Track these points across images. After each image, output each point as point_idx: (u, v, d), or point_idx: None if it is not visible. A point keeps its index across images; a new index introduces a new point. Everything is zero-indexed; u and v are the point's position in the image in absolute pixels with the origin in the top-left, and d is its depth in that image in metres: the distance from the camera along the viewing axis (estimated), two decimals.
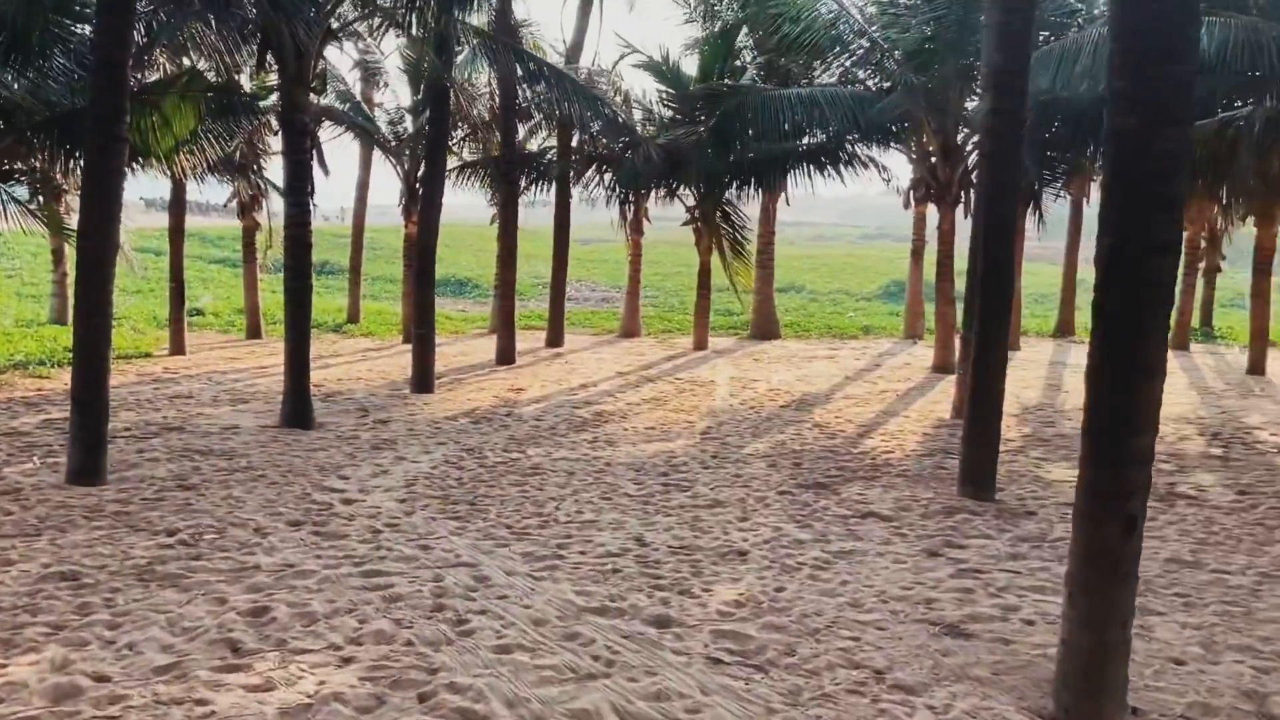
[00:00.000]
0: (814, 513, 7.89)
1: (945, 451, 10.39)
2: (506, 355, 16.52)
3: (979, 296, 8.59)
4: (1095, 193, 23.09)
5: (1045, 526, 7.55)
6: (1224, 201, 16.14)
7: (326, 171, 14.11)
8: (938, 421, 12.16)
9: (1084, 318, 23.76)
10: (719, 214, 18.08)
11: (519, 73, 14.52)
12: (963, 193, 16.58)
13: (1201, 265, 20.53)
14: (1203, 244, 20.75)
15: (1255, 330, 17.03)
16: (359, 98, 19.06)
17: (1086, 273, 30.35)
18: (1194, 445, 10.92)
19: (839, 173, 17.90)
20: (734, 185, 17.66)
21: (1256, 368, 16.84)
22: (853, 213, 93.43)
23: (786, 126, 15.83)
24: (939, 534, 7.30)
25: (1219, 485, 8.97)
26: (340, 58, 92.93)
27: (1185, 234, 20.23)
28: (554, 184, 18.96)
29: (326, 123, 17.69)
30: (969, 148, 16.35)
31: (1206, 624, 5.49)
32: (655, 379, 15.26)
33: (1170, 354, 18.14)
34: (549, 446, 10.25)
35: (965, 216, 17.09)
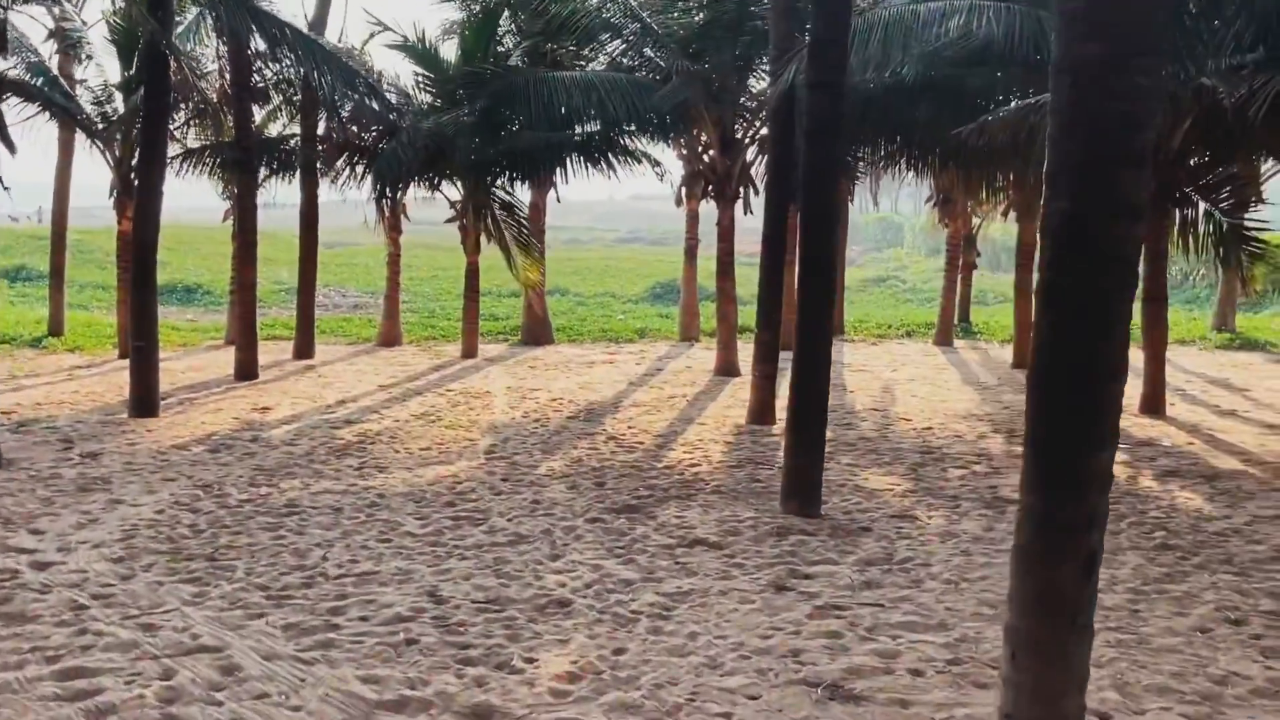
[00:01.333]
0: (634, 543, 6.88)
1: (755, 462, 9.68)
2: (247, 369, 14.56)
3: (799, 294, 7.87)
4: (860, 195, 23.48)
5: (887, 545, 6.89)
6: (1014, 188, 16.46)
7: (13, 150, 11.76)
8: (735, 428, 11.50)
9: (851, 314, 24.19)
10: (498, 205, 16.82)
11: (258, 41, 12.75)
12: (742, 188, 16.19)
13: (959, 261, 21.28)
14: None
15: (1019, 324, 17.61)
16: (55, 72, 16.43)
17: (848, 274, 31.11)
18: (996, 444, 10.77)
19: (613, 165, 17.09)
20: (505, 175, 16.48)
21: (1021, 362, 17.39)
22: (605, 217, 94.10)
23: (562, 111, 14.84)
24: (779, 561, 6.47)
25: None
26: (31, 26, 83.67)
27: (948, 230, 20.90)
28: (298, 174, 17.08)
29: (14, 100, 15.06)
30: (748, 140, 15.97)
31: (1106, 659, 4.88)
32: (424, 391, 13.85)
33: (937, 349, 18.55)
34: (306, 477, 8.73)
35: (745, 212, 16.76)
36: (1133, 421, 12.18)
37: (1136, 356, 19.33)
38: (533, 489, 8.43)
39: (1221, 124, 11.26)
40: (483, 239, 17.62)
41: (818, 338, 7.71)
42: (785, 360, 15.19)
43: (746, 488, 8.62)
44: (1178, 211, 13.16)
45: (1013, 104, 11.83)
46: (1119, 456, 10.05)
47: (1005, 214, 18.49)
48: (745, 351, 16.68)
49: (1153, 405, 12.88)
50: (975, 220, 22.10)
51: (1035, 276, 17.52)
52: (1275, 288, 26.05)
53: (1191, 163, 12.71)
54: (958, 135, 11.58)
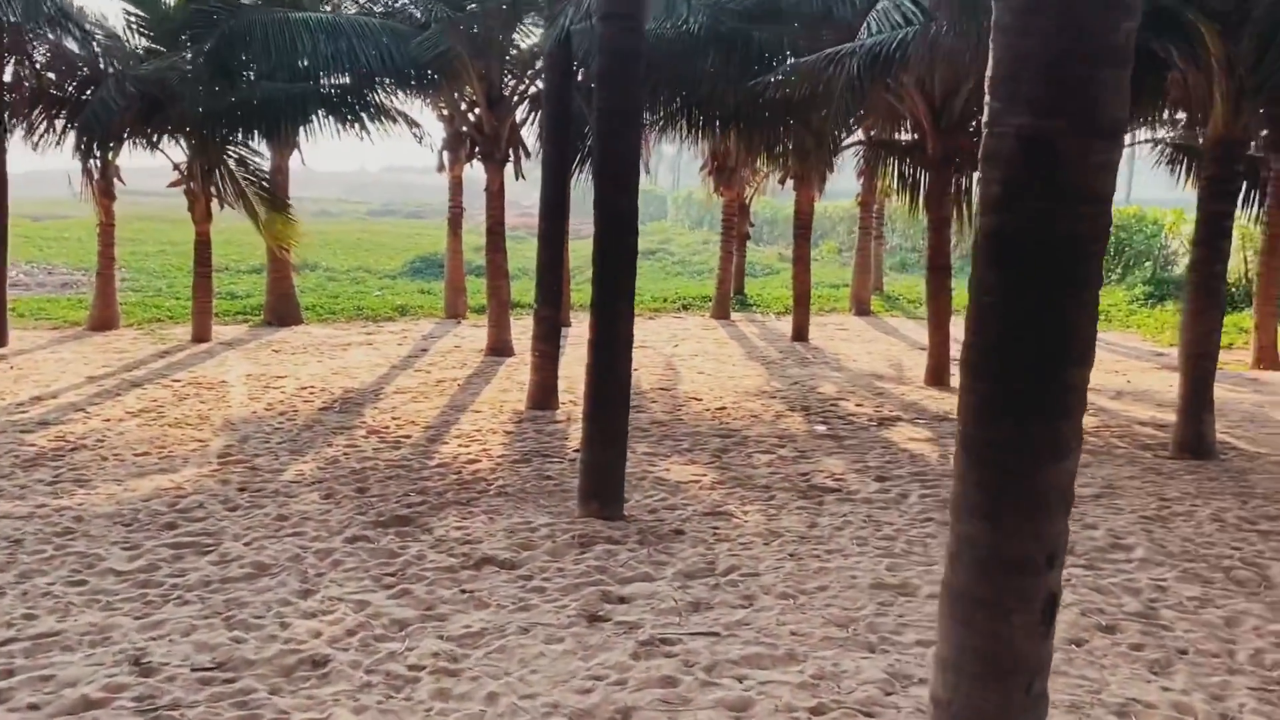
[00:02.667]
0: (407, 567, 5.70)
1: (542, 454, 8.65)
2: None
3: (595, 261, 6.86)
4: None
5: (705, 550, 6.04)
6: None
7: None
8: (515, 415, 10.42)
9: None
10: (235, 162, 14.84)
11: None
12: (512, 150, 15.03)
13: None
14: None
15: (798, 296, 17.40)
16: None
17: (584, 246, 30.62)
18: (796, 424, 10.21)
19: (365, 124, 15.47)
20: (240, 132, 14.54)
21: (800, 334, 17.19)
22: (356, 189, 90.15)
23: (305, 62, 13.14)
24: (586, 581, 5.48)
25: (851, 472, 8.12)
26: None
27: (723, 200, 20.51)
28: None
29: None
30: (518, 96, 14.80)
31: None
32: (144, 382, 11.93)
33: (716, 323, 18.11)
34: None
35: (517, 177, 15.62)
36: (921, 395, 12.01)
37: (909, 326, 19.74)
38: (278, 501, 7.04)
39: None
40: (215, 206, 15.62)
41: (619, 308, 6.75)
42: (565, 338, 14.20)
43: (536, 486, 7.58)
44: (961, 179, 13.15)
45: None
46: (924, 434, 9.73)
47: (783, 181, 18.25)
48: (518, 329, 15.61)
49: (939, 377, 12.80)
50: (748, 190, 21.88)
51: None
52: None
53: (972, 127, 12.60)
54: (754, 86, 10.90)
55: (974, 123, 12.52)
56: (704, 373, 13.53)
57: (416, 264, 29.89)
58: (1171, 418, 10.52)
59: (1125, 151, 16.53)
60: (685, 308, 21.69)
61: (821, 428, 9.94)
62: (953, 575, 2.76)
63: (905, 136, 14.74)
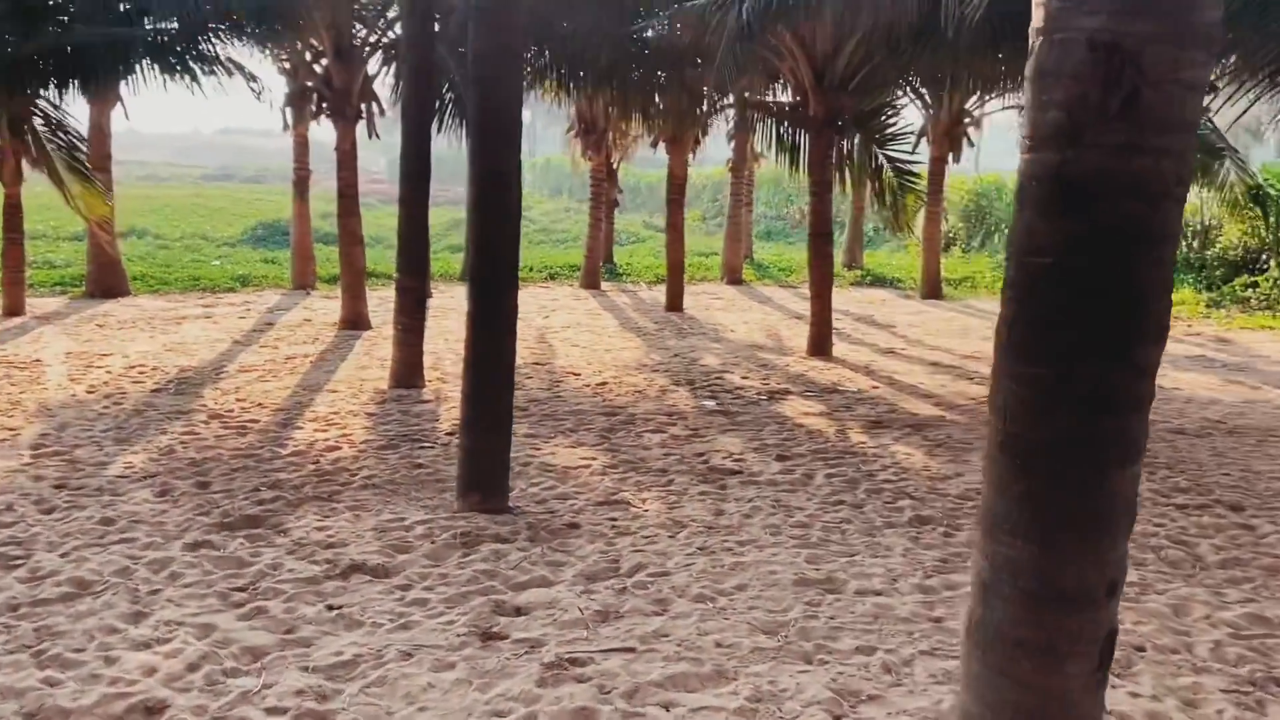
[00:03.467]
0: (261, 578, 4.94)
1: (410, 439, 7.91)
2: None
3: (473, 224, 6.16)
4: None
5: (606, 546, 5.46)
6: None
7: None
8: (377, 394, 9.62)
9: (447, 265, 22.66)
10: (39, 120, 13.36)
11: None
12: (365, 105, 14.03)
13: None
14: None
15: (672, 264, 16.94)
16: None
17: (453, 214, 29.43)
18: (683, 399, 9.71)
19: (195, 75, 14.18)
20: (53, 82, 13.08)
21: (675, 304, 16.75)
22: (188, 151, 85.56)
23: (126, 4, 11.88)
24: (474, 589, 4.83)
25: (750, 451, 7.66)
26: None
27: (590, 164, 19.84)
28: None
29: None
30: (369, 47, 13.78)
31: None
32: None
33: (586, 293, 17.51)
34: None
35: (370, 135, 14.63)
36: (806, 366, 11.70)
37: (783, 295, 19.57)
38: (102, 501, 6.13)
39: (895, 45, 10.84)
40: (26, 165, 14.09)
41: (502, 278, 6.06)
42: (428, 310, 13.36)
43: (407, 476, 6.85)
44: (843, 142, 12.86)
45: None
46: (817, 407, 9.36)
47: (656, 144, 17.72)
48: (374, 300, 14.69)
49: (821, 347, 12.53)
50: (616, 155, 21.28)
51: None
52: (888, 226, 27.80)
53: (850, 87, 12.28)
54: (631, 36, 10.29)
55: (855, 82, 12.20)
56: (579, 346, 12.93)
57: (259, 231, 28.24)
58: None
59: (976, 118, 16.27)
60: (552, 277, 21.02)
61: (711, 403, 9.47)
62: (986, 611, 2.25)
63: (783, 98, 14.40)
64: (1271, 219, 17.12)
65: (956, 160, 19.26)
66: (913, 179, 13.73)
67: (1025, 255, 2.08)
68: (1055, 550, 2.11)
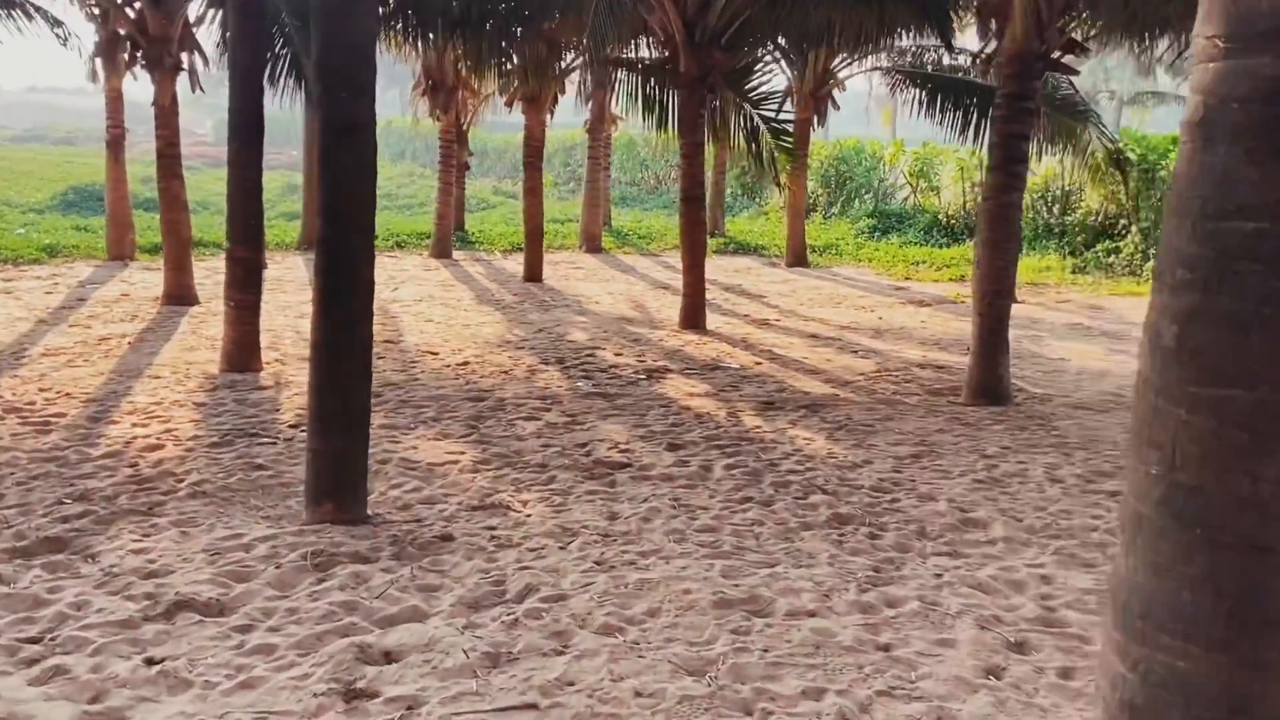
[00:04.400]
0: (60, 623, 4.02)
1: (248, 433, 6.96)
2: None
3: (321, 184, 5.27)
4: None
5: (488, 564, 4.72)
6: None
7: None
8: (206, 380, 8.57)
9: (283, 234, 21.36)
10: None
11: None
12: (186, 55, 12.70)
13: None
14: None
15: (530, 232, 16.11)
16: None
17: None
18: (555, 380, 8.98)
19: None
20: None
21: (534, 274, 15.95)
22: None
23: None
24: (332, 629, 4.03)
25: (637, 440, 7.01)
26: None
27: (439, 125, 18.76)
28: None
29: None
30: None
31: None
32: None
33: (437, 263, 16.52)
34: None
35: (193, 89, 13.31)
36: (681, 340, 11.13)
37: (645, 263, 18.95)
38: None
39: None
40: None
41: (357, 246, 5.20)
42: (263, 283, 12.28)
43: (245, 480, 5.94)
44: (715, 101, 12.28)
45: None
46: (701, 386, 8.78)
47: (510, 103, 16.77)
48: (202, 272, 13.45)
49: (694, 319, 11.98)
50: (467, 115, 20.20)
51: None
52: (749, 191, 27.55)
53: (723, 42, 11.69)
54: None
55: (728, 37, 11.62)
56: (434, 321, 12.03)
57: (69, 196, 25.98)
58: (943, 357, 10.21)
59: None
60: (400, 246, 19.89)
61: (586, 384, 8.77)
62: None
63: (647, 54, 13.72)
64: (1131, 184, 17.42)
65: (821, 124, 19.01)
66: (789, 139, 13.29)
67: (1218, 219, 1.47)
68: (1259, 666, 1.48)
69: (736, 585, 4.44)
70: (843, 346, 10.92)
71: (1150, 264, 16.44)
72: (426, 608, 4.23)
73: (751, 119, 13.26)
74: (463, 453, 6.60)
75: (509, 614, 4.18)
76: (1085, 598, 4.33)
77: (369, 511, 5.36)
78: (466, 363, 9.61)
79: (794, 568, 4.67)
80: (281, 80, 12.28)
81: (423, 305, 13.24)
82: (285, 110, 13.56)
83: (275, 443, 6.74)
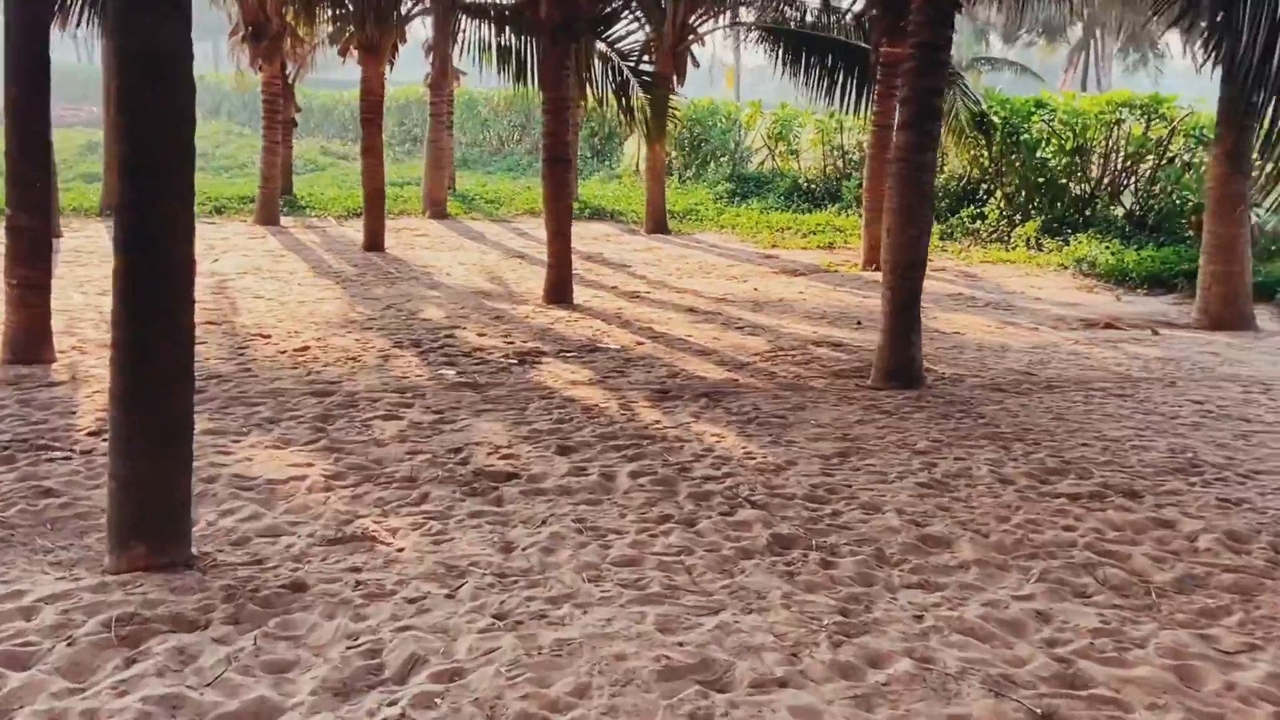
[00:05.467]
0: None
1: (35, 446, 5.71)
2: None
3: (124, 136, 4.08)
4: None
5: (354, 624, 3.72)
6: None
7: None
8: None
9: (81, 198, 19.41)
10: None
11: None
12: None
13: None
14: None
15: (370, 195, 14.79)
16: None
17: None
18: (414, 367, 7.92)
19: None
20: None
21: (375, 243, 14.66)
22: None
23: None
24: None
25: (521, 441, 6.05)
26: None
27: (262, 77, 17.12)
28: None
29: None
30: None
31: None
32: None
33: (264, 231, 15.04)
34: None
35: None
36: (550, 317, 10.19)
37: (495, 230, 17.81)
38: None
39: None
40: None
41: (170, 210, 4.06)
42: (57, 255, 10.82)
43: (30, 513, 4.72)
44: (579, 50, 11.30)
45: None
46: (582, 372, 7.86)
47: (345, 52, 15.35)
48: None
49: (561, 293, 11.05)
50: (292, 67, 18.60)
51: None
52: (597, 153, 26.62)
53: None
54: None
55: None
56: (264, 297, 10.74)
57: None
58: (835, 333, 9.59)
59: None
60: (219, 211, 18.20)
61: (450, 372, 7.74)
62: None
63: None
64: (995, 147, 17.28)
65: (681, 82, 18.20)
66: (662, 95, 12.44)
67: None
68: None
69: (680, 644, 3.57)
70: (726, 322, 10.16)
71: (1017, 230, 16.36)
72: (279, 698, 3.22)
73: (621, 72, 12.36)
74: (310, 464, 5.51)
75: (390, 702, 3.21)
76: (1099, 641, 3.63)
77: (194, 552, 4.27)
78: (306, 347, 8.43)
79: (744, 613, 3.83)
80: (76, 10, 10.67)
81: (250, 279, 11.88)
82: (85, 63, 11.95)
83: (70, 458, 5.51)
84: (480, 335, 9.14)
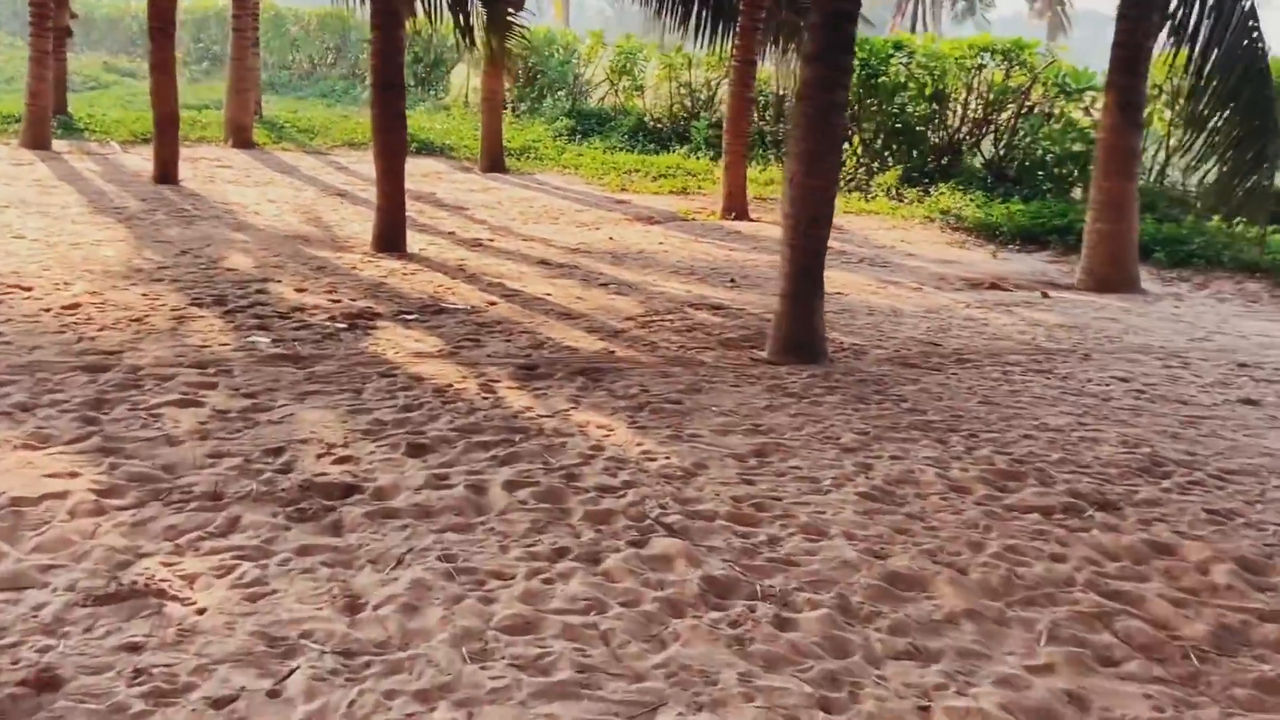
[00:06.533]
0: None
1: None
2: None
3: None
4: None
5: None
6: None
7: None
8: None
9: None
10: None
11: None
12: None
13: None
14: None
15: (161, 119, 12.91)
16: None
17: None
18: (217, 334, 6.56)
19: None
20: None
21: (168, 174, 12.87)
22: None
23: None
24: None
25: (359, 437, 4.87)
26: None
27: None
28: None
29: None
30: None
31: None
32: None
33: (31, 156, 13.05)
34: None
35: None
36: (382, 268, 8.92)
37: (310, 163, 16.12)
38: None
39: None
40: None
41: None
42: None
43: None
44: None
45: None
46: (428, 340, 6.68)
47: None
48: None
49: (392, 240, 9.76)
50: None
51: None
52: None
53: None
54: None
55: None
56: (27, 238, 9.07)
57: None
58: (713, 293, 8.69)
59: None
60: None
61: (263, 340, 6.43)
62: None
63: None
64: (851, 90, 16.65)
65: (519, 8, 16.81)
66: (511, 13, 11.17)
67: None
68: None
69: None
70: (585, 277, 9.11)
71: (877, 179, 15.84)
72: None
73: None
74: (75, 474, 4.20)
75: None
76: None
77: None
78: (77, 304, 6.94)
79: (693, 710, 2.85)
80: None
81: (12, 214, 10.09)
82: None
83: None
84: (299, 291, 7.81)
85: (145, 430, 4.76)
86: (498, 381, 5.84)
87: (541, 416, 5.29)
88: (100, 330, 6.39)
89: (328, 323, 6.94)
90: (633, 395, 5.69)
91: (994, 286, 9.83)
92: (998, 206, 13.42)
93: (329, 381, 5.64)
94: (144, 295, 7.35)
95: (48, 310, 6.79)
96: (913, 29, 43.02)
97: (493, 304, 7.82)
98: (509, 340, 6.77)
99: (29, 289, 7.31)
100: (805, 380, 6.17)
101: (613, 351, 6.66)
